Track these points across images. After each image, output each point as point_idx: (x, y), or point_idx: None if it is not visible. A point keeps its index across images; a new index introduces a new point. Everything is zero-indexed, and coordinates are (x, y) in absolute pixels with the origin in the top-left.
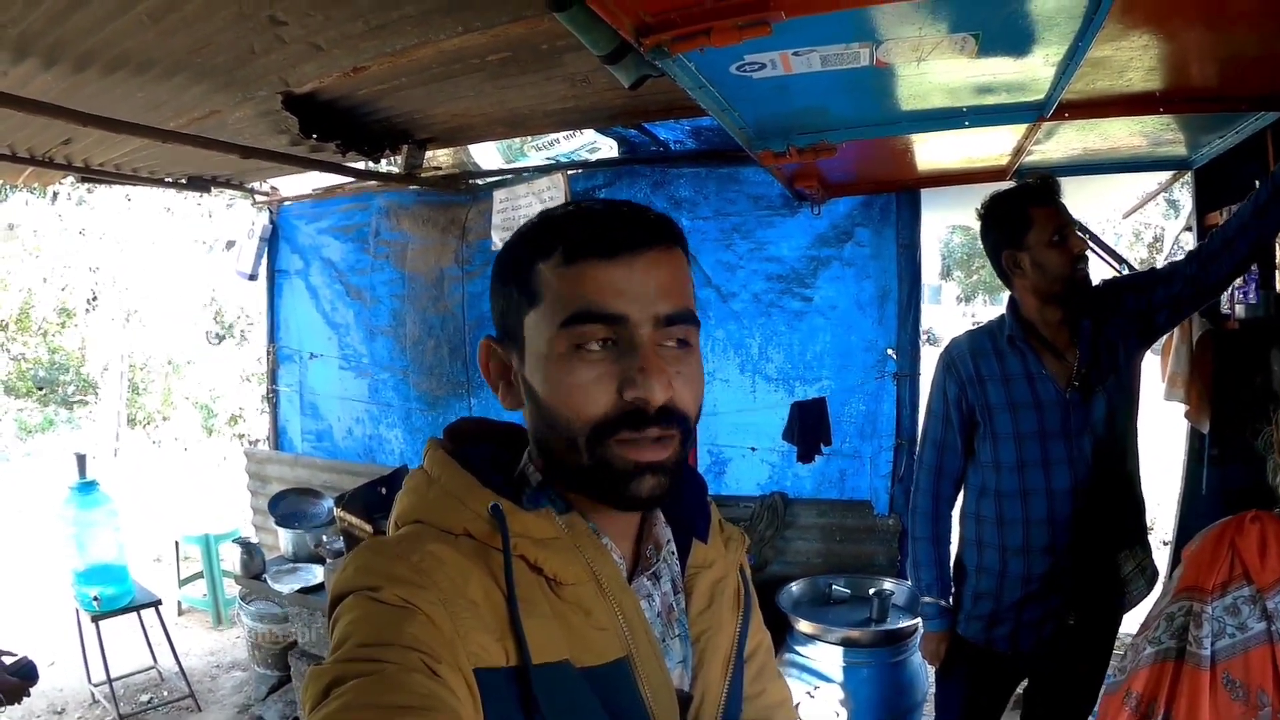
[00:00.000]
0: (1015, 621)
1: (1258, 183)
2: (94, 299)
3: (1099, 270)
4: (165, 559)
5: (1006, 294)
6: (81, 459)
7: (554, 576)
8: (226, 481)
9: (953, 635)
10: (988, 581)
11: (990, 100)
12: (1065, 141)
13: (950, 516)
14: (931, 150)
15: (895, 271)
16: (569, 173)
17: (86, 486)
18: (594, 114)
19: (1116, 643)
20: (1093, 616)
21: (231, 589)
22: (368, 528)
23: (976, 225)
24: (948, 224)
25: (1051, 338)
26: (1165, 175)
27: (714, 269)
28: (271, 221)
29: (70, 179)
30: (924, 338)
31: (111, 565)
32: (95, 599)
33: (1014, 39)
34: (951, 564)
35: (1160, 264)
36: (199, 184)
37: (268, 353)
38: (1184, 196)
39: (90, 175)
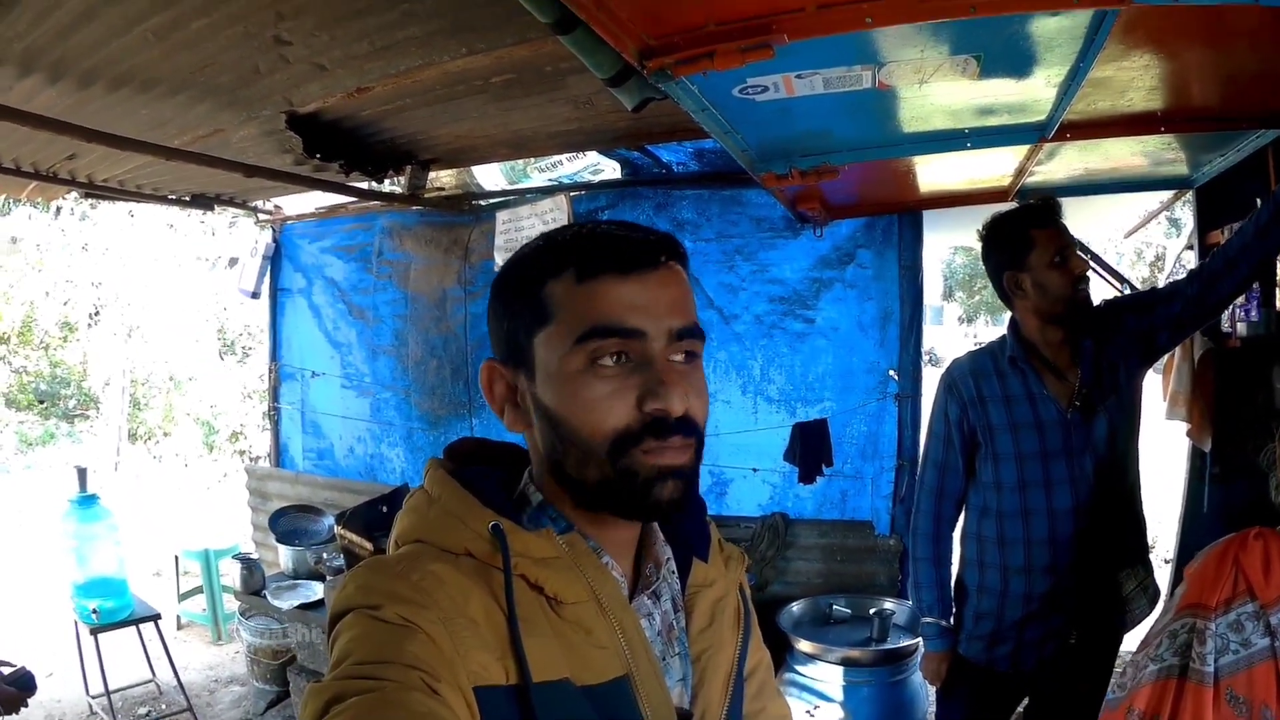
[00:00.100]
0: (1017, 641)
1: (1259, 201)
2: (96, 314)
3: (1101, 290)
4: (165, 573)
5: (1008, 314)
6: (82, 472)
7: (554, 595)
8: (227, 498)
9: (954, 655)
10: (989, 601)
11: (992, 121)
12: (1067, 162)
13: (951, 537)
14: (934, 171)
15: (897, 293)
16: (572, 194)
17: (87, 500)
18: (597, 136)
19: (1117, 661)
20: (1094, 635)
21: (231, 604)
22: (368, 546)
23: (978, 246)
24: (950, 245)
25: (1053, 358)
26: (1167, 194)
27: (716, 291)
28: (275, 240)
29: (74, 194)
30: (926, 358)
31: (111, 579)
32: (94, 612)
33: (1015, 61)
34: (953, 584)
35: (1162, 283)
36: (202, 202)
37: (270, 370)
38: (1185, 215)
39: (94, 191)
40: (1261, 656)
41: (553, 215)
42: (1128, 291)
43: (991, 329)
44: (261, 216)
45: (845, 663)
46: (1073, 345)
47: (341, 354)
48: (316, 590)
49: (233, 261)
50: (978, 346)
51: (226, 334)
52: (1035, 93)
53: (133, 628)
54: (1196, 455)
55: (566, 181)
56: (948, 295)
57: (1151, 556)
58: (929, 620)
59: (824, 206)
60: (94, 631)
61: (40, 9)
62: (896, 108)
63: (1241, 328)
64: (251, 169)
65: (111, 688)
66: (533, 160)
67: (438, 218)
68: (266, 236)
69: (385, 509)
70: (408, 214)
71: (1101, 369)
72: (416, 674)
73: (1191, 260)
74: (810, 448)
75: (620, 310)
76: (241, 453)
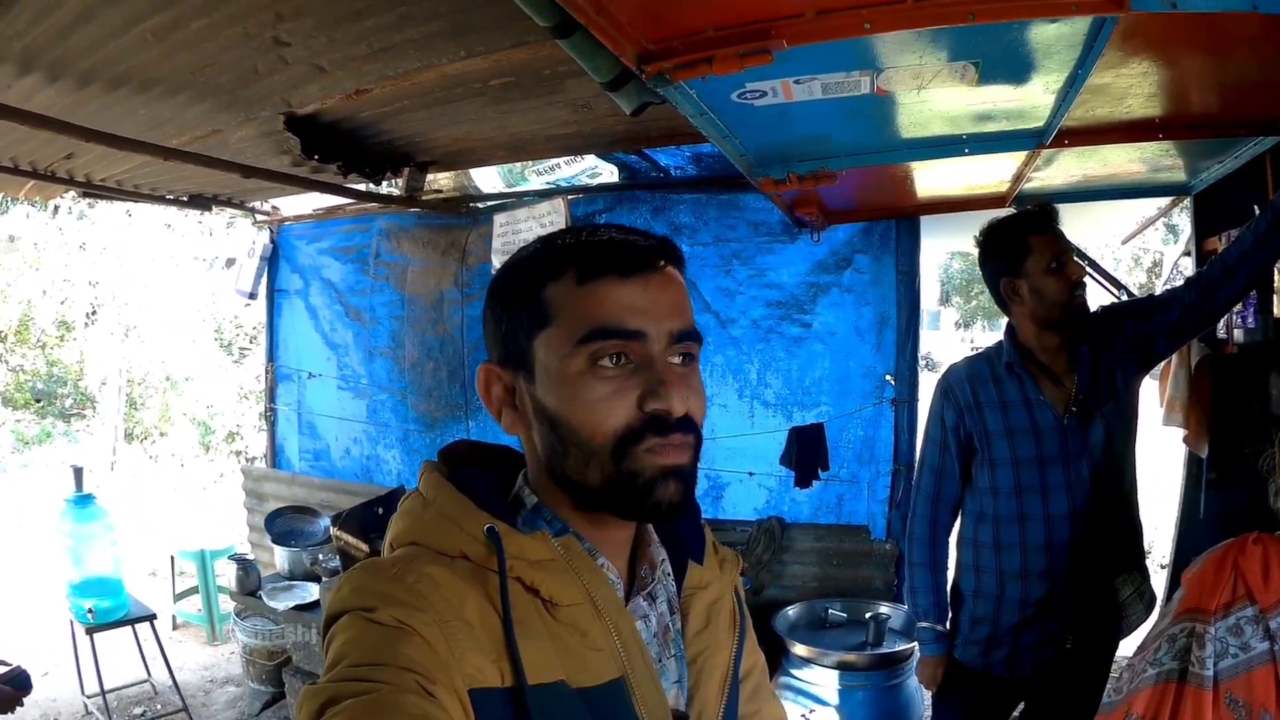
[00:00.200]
0: (1013, 646)
1: (1256, 208)
2: (93, 313)
3: (1098, 296)
4: (161, 573)
5: (1005, 320)
6: (78, 472)
7: (550, 598)
8: (223, 498)
9: (950, 660)
10: (985, 606)
11: (990, 128)
12: (1065, 168)
13: (947, 542)
14: (931, 177)
15: (894, 298)
16: (569, 197)
17: (83, 499)
18: (595, 139)
19: (1113, 666)
20: (1090, 641)
21: (226, 605)
22: (364, 547)
23: (976, 252)
24: (947, 250)
25: (1049, 364)
26: (1164, 200)
27: (713, 295)
28: (272, 241)
29: (72, 193)
30: (923, 363)
31: (107, 578)
32: (90, 611)
33: (1014, 67)
34: (949, 589)
35: (1159, 289)
36: (200, 202)
37: (266, 371)
38: (1183, 221)
39: (92, 190)
40: (1261, 660)
41: (550, 218)
42: (1125, 298)
43: (989, 334)
44: (259, 217)
45: (841, 667)
46: (1069, 351)
47: (338, 355)
48: (312, 591)
49: (230, 262)
50: (975, 352)
51: (224, 334)
52: (1033, 99)
53: (128, 627)
54: (1193, 461)
55: (564, 185)
56: (945, 300)
57: (1148, 562)
58: (925, 625)
59: (821, 211)
60: (90, 631)
61: (39, 8)
62: (895, 113)
63: (1238, 334)
64: (249, 170)
65: (107, 687)
66: (530, 163)
67: (435, 220)
68: (264, 237)
69: (381, 511)
70: (405, 216)
71: (1098, 375)
72: (411, 676)
73: (1189, 267)
74: (806, 452)
75: (621, 312)
76: (238, 453)
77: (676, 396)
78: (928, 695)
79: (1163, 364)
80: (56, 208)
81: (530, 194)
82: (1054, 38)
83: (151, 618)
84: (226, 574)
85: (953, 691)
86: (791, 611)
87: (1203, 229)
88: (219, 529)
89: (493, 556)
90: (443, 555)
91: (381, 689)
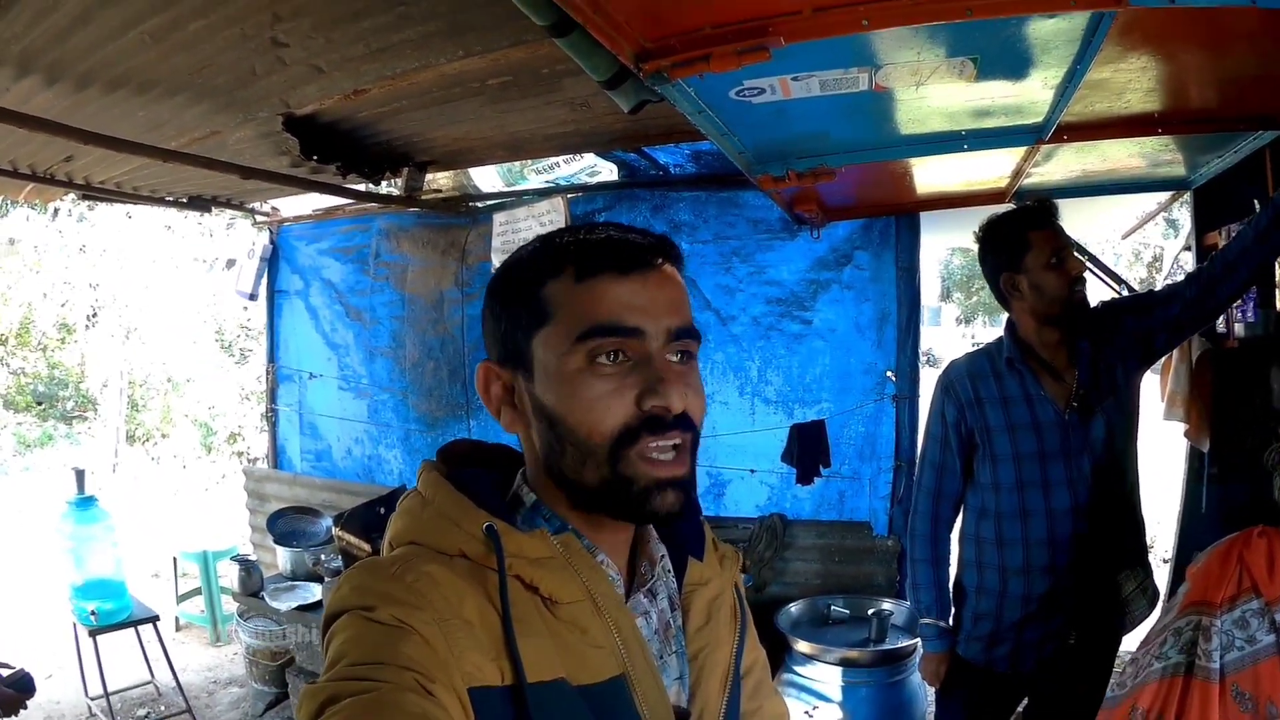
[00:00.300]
0: (1015, 642)
1: (1256, 203)
2: (94, 315)
3: (1098, 291)
4: (163, 575)
5: (1005, 316)
6: (80, 474)
7: (549, 596)
8: (225, 499)
9: (953, 656)
10: (988, 602)
11: (989, 123)
12: (1064, 163)
13: (949, 538)
14: (931, 173)
15: (894, 294)
16: (569, 196)
17: (85, 502)
18: (594, 138)
19: (1116, 661)
20: (1093, 636)
21: (229, 606)
22: (366, 547)
23: (976, 248)
24: (947, 246)
25: (1050, 359)
26: (1164, 195)
27: (713, 292)
28: (272, 241)
29: (71, 196)
30: (924, 359)
31: (109, 580)
32: (93, 613)
33: (1012, 63)
34: (951, 585)
35: (1160, 284)
36: (199, 203)
37: (267, 372)
38: (1183, 216)
39: (91, 193)
40: (1267, 653)
41: (550, 217)
42: (1125, 293)
43: (989, 330)
44: (259, 218)
45: (844, 663)
46: (1070, 346)
47: (339, 355)
48: (315, 591)
49: (230, 263)
50: (975, 348)
51: (224, 335)
52: (1032, 95)
53: (131, 629)
54: (1194, 456)
55: (563, 183)
56: (945, 296)
57: (1150, 557)
58: (927, 621)
59: (821, 208)
60: (93, 633)
61: (37, 10)
62: (893, 110)
63: (1239, 328)
64: (248, 171)
65: (110, 689)
66: (530, 162)
67: (435, 219)
68: (264, 238)
69: (383, 510)
70: (405, 216)
71: (1099, 370)
72: (411, 675)
73: (1189, 261)
74: (808, 449)
75: (619, 309)
76: (239, 454)
77: (675, 393)
78: (931, 691)
79: (1163, 359)
80: (56, 210)
81: (530, 193)
82: (1052, 33)
83: (154, 619)
84: (229, 575)
85: (956, 688)
86: (794, 608)
87: (1203, 224)
88: (221, 530)
89: (492, 555)
90: (442, 554)
91: (381, 688)
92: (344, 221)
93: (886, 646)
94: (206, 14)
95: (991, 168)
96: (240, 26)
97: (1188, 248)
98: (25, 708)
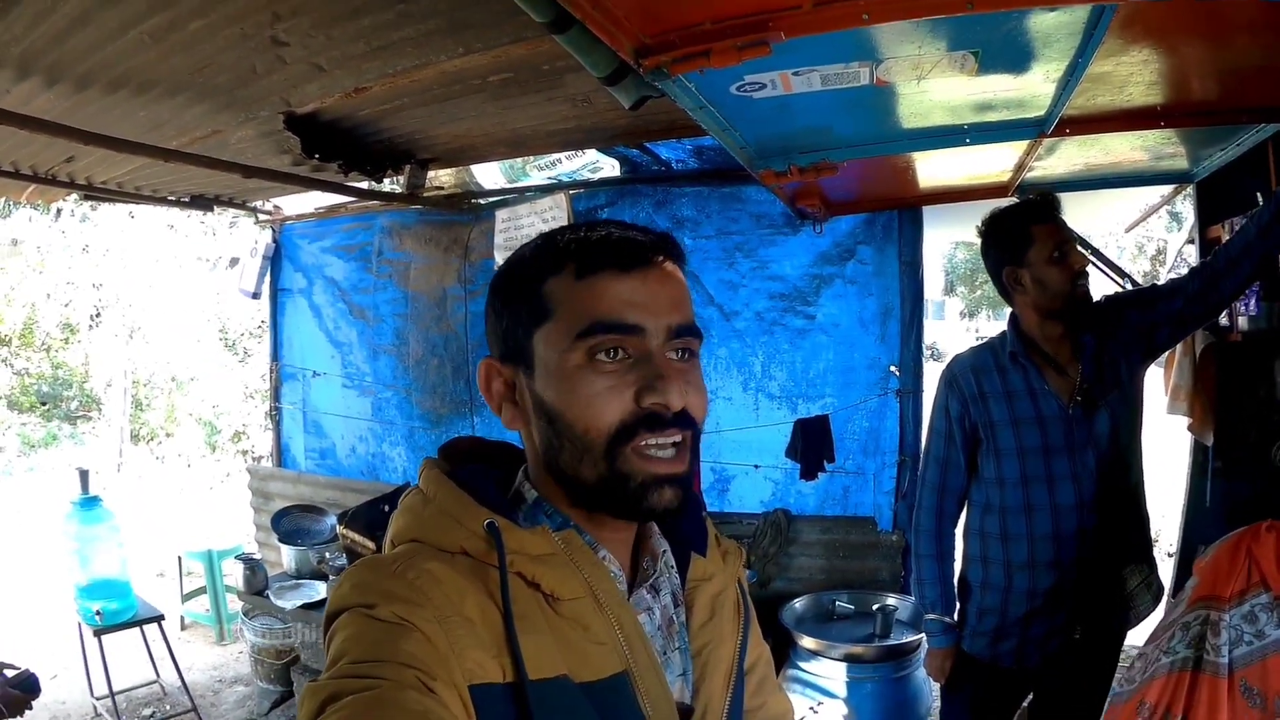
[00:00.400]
0: (1020, 637)
1: (1260, 196)
2: (97, 315)
3: (1102, 285)
4: (168, 574)
5: (1009, 310)
6: (84, 474)
7: (551, 592)
8: (229, 498)
9: (958, 651)
10: (993, 597)
11: (991, 117)
12: (1067, 157)
13: (954, 533)
14: (933, 168)
15: (898, 289)
16: (571, 192)
17: (89, 501)
18: (596, 134)
19: (1121, 656)
20: (1098, 631)
21: (234, 604)
22: (370, 545)
23: (978, 242)
24: (951, 240)
25: (1053, 353)
26: (1167, 188)
27: (716, 288)
28: (274, 240)
29: (74, 196)
30: (928, 353)
31: (114, 580)
32: (98, 613)
33: (1014, 56)
34: (956, 580)
35: (1163, 277)
36: (202, 203)
37: (271, 370)
38: (1186, 209)
39: (93, 193)
40: (1276, 648)
41: (552, 213)
42: (1129, 286)
43: (993, 324)
44: (261, 217)
45: (849, 659)
46: (1073, 340)
47: (342, 353)
48: (319, 590)
49: (233, 262)
50: (979, 342)
51: (228, 334)
52: (1034, 88)
53: (136, 629)
54: (1198, 450)
55: (566, 180)
56: (949, 290)
57: (1155, 551)
58: (932, 617)
59: (823, 203)
60: (97, 633)
61: (37, 12)
62: (895, 104)
63: (1242, 322)
64: (250, 169)
65: (116, 689)
66: (531, 158)
67: (437, 217)
68: (266, 236)
69: (387, 508)
70: (407, 213)
71: (1103, 364)
72: (412, 672)
73: (1193, 254)
74: (812, 444)
75: (620, 306)
76: (244, 453)
77: (675, 390)
78: (936, 687)
79: (1167, 352)
80: (59, 211)
81: (532, 189)
82: (1053, 26)
83: (159, 619)
84: (234, 574)
85: (961, 683)
86: (798, 604)
87: (1206, 216)
88: (226, 529)
89: (493, 552)
90: (443, 551)
91: (382, 685)
92: (346, 219)
93: (891, 642)
94: (206, 14)
95: (994, 161)
96: (240, 26)
97: (1191, 241)
98: (31, 708)
